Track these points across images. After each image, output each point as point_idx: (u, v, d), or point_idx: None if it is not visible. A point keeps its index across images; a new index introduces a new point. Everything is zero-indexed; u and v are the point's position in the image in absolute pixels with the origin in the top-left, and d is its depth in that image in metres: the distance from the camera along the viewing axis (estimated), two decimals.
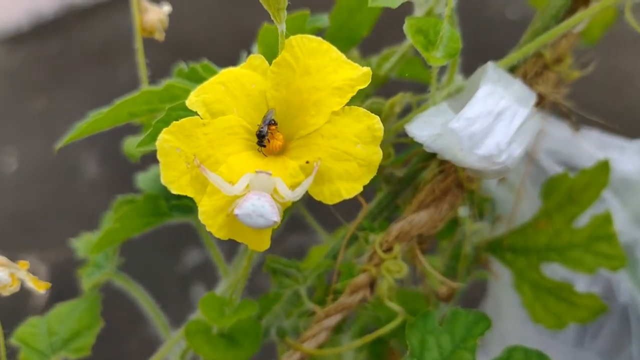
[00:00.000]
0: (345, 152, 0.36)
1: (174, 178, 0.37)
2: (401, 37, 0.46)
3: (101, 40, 2.11)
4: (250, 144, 0.38)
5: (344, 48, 0.55)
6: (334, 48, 0.39)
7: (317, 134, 0.37)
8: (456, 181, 0.51)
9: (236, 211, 0.34)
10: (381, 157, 0.36)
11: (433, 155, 0.50)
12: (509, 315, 0.65)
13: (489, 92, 0.41)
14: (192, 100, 0.39)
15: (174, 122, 0.38)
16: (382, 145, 0.43)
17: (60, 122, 1.95)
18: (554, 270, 0.60)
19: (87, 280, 0.56)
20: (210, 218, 0.36)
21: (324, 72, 0.37)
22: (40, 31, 2.16)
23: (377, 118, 0.36)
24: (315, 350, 0.48)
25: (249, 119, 0.38)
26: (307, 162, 0.36)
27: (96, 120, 0.46)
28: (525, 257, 0.59)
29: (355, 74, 0.37)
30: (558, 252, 0.58)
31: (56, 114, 1.92)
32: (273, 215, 0.34)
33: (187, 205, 0.53)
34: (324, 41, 0.39)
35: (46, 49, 2.10)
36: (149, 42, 0.52)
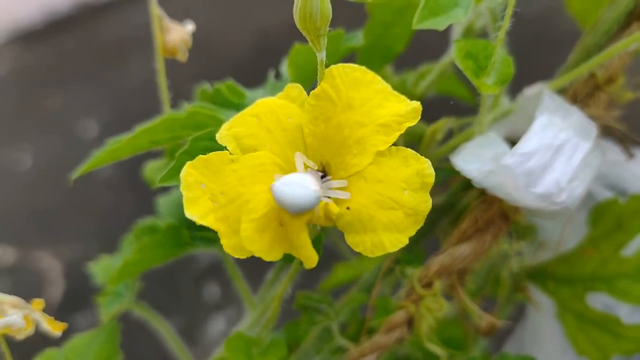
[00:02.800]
0: (392, 199, 0.32)
1: (202, 214, 0.33)
2: (426, 49, 0.42)
3: (116, 37, 2.08)
4: None
5: (378, 65, 0.52)
6: (379, 78, 0.35)
7: (359, 177, 0.32)
8: (500, 211, 0.47)
9: (275, 183, 0.30)
10: (430, 206, 0.32)
11: None
12: (549, 343, 0.61)
13: (547, 124, 0.37)
14: (223, 134, 0.35)
15: (200, 156, 0.34)
16: None
17: (74, 120, 1.94)
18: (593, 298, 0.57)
19: (106, 310, 0.53)
20: (256, 242, 0.32)
21: (368, 105, 0.33)
22: (54, 28, 2.13)
23: (428, 162, 0.32)
24: None
25: (282, 155, 0.34)
26: (347, 209, 0.32)
27: (115, 148, 0.42)
28: (570, 286, 0.55)
29: (403, 109, 0.33)
30: (605, 282, 0.54)
31: (70, 112, 1.90)
32: (315, 185, 0.30)
33: (210, 237, 0.49)
34: (368, 70, 0.35)
35: (60, 47, 2.08)
36: None
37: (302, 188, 0.30)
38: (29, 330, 0.40)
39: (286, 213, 0.31)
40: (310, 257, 0.32)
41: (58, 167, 1.74)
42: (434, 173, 0.32)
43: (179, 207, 0.53)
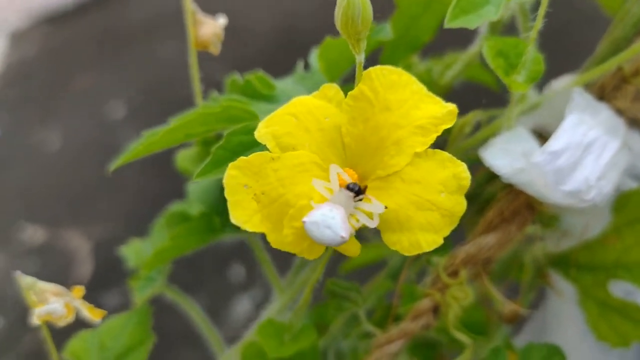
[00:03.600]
0: (429, 201, 0.33)
1: (247, 217, 0.34)
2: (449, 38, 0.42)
3: (144, 18, 2.08)
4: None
5: (405, 55, 0.52)
6: (414, 79, 0.35)
7: (397, 177, 0.33)
8: (526, 202, 0.47)
9: (305, 218, 0.31)
10: (465, 208, 0.33)
11: None
12: (569, 329, 0.62)
13: (576, 122, 0.38)
14: (262, 132, 0.35)
15: (241, 157, 0.34)
16: None
17: (102, 101, 1.96)
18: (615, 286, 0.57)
19: (139, 293, 0.54)
20: (297, 246, 0.34)
21: (405, 107, 0.34)
22: (84, 10, 2.14)
23: (464, 165, 0.33)
24: None
25: (321, 155, 0.35)
26: (385, 208, 0.33)
27: (151, 142, 0.43)
28: (592, 273, 0.56)
29: (439, 110, 0.34)
30: (627, 270, 0.54)
31: (99, 93, 1.92)
32: (342, 230, 0.31)
33: None
34: (404, 72, 0.35)
35: (89, 28, 2.08)
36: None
37: (329, 230, 0.30)
38: (70, 318, 0.42)
39: None
40: (353, 250, 0.33)
41: (86, 148, 1.76)
42: (470, 176, 0.33)
43: (209, 193, 0.54)
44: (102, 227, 1.56)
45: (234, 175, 0.34)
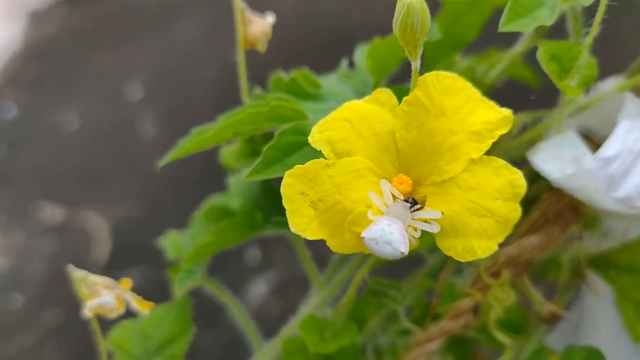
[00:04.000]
0: (484, 208, 0.33)
1: (305, 225, 0.34)
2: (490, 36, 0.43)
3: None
4: (379, 189, 0.35)
5: (448, 54, 0.52)
6: (468, 85, 0.35)
7: (452, 183, 0.34)
8: (571, 204, 0.48)
9: (364, 234, 0.32)
10: (520, 215, 0.33)
11: None
12: (604, 329, 0.63)
13: (629, 129, 0.38)
14: (316, 138, 0.36)
15: (297, 165, 0.35)
16: None
17: (120, 82, 1.97)
18: None
19: (179, 286, 0.55)
20: (356, 249, 0.35)
21: (460, 113, 0.34)
22: None
23: (520, 173, 0.33)
24: None
25: (376, 161, 0.35)
26: (441, 214, 0.33)
27: (200, 139, 0.44)
28: (631, 275, 0.56)
29: (494, 116, 0.34)
30: None
31: (116, 73, 1.92)
32: (401, 245, 0.31)
33: (283, 221, 0.51)
34: (459, 77, 0.35)
35: (108, 8, 2.09)
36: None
37: (389, 246, 0.31)
38: (121, 310, 0.43)
39: None
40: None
41: (104, 129, 1.77)
42: (525, 184, 0.33)
43: (250, 187, 0.55)
44: (119, 207, 1.58)
45: (290, 183, 0.35)
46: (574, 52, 0.39)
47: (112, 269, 1.38)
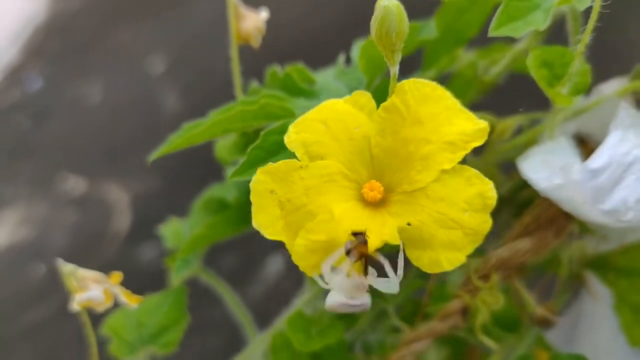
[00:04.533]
0: (452, 219, 0.33)
1: (268, 223, 0.35)
2: None
3: None
4: (349, 194, 0.35)
5: (450, 49, 0.51)
6: (448, 94, 0.35)
7: (422, 193, 0.33)
8: (564, 210, 0.47)
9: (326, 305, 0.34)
10: (490, 226, 0.33)
11: None
12: (601, 330, 0.62)
13: (619, 139, 0.37)
14: (292, 139, 0.36)
15: (270, 163, 0.35)
16: (486, 166, 0.39)
17: (142, 56, 1.97)
18: None
19: (175, 275, 0.56)
20: (304, 259, 0.34)
21: (436, 122, 0.34)
22: None
23: (491, 184, 0.33)
24: None
25: (349, 165, 0.35)
26: (408, 224, 0.33)
27: (190, 135, 0.44)
28: (629, 278, 0.55)
29: (470, 127, 0.34)
30: None
31: (139, 48, 1.93)
32: (357, 306, 0.33)
33: None
34: (438, 86, 0.35)
35: None
36: None
37: (352, 308, 0.32)
38: (109, 304, 0.44)
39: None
40: None
41: (126, 102, 1.79)
42: (495, 195, 0.33)
43: (246, 181, 0.55)
44: (140, 180, 1.60)
45: (261, 180, 0.35)
46: (567, 58, 0.38)
47: (131, 241, 1.41)
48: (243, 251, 1.37)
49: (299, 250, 0.33)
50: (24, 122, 1.85)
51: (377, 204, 0.35)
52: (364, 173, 0.35)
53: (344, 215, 0.33)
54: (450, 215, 0.33)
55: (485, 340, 0.46)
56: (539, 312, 0.51)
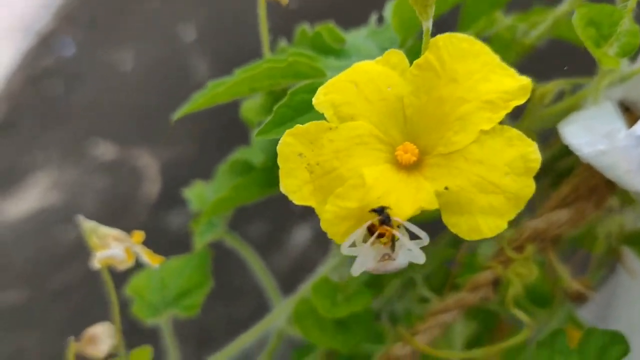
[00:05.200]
0: (492, 183, 0.31)
1: (296, 187, 0.33)
2: None
3: None
4: (381, 156, 0.33)
5: (488, 10, 0.49)
6: (487, 49, 0.33)
7: (459, 155, 0.31)
8: (606, 179, 0.45)
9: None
10: (533, 191, 0.31)
11: None
12: (637, 305, 0.60)
13: None
14: (320, 100, 0.34)
15: (298, 125, 0.33)
16: (524, 133, 0.38)
17: (173, 23, 1.97)
18: None
19: (200, 238, 0.56)
20: (333, 226, 0.32)
21: (473, 79, 0.32)
22: None
23: (535, 145, 0.31)
24: (429, 349, 0.46)
25: (382, 127, 0.33)
26: (446, 189, 0.31)
27: (215, 93, 0.43)
28: None
29: (511, 85, 0.31)
30: None
31: (170, 14, 1.93)
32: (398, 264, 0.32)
33: None
34: (476, 40, 0.33)
35: None
36: None
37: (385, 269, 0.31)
38: (130, 262, 0.44)
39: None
40: None
41: (158, 69, 1.79)
42: (540, 158, 0.31)
43: (273, 143, 0.54)
44: (170, 147, 1.60)
45: (289, 142, 0.33)
46: (615, 17, 0.35)
47: (160, 208, 1.42)
48: (269, 221, 1.37)
49: (328, 217, 0.32)
50: (56, 88, 1.87)
51: (411, 168, 0.33)
52: (396, 135, 0.33)
53: (376, 180, 0.31)
54: (490, 179, 0.31)
55: (517, 313, 0.44)
56: (574, 287, 0.49)
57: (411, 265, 0.48)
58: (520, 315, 0.45)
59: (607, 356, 0.41)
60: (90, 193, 1.55)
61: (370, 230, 0.31)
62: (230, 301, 1.15)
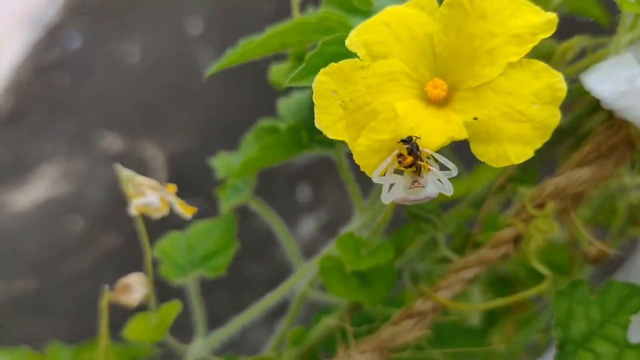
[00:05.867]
0: (520, 112, 0.33)
1: (330, 122, 0.36)
2: None
3: None
4: (411, 92, 0.36)
5: None
6: None
7: (488, 88, 0.34)
8: (627, 138, 0.47)
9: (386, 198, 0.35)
10: (559, 120, 0.34)
11: (602, 106, 0.47)
12: None
13: None
14: (352, 40, 0.37)
15: (332, 63, 0.36)
16: None
17: (181, 16, 2.00)
18: None
19: (226, 202, 0.59)
20: (366, 158, 0.35)
21: (501, 16, 0.34)
22: None
23: (560, 76, 0.33)
24: (450, 302, 0.48)
25: (412, 65, 0.36)
26: (475, 119, 0.34)
27: (247, 49, 0.46)
28: None
29: (537, 20, 0.34)
30: None
31: (177, 7, 1.96)
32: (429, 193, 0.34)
33: (328, 140, 0.53)
34: None
35: None
36: None
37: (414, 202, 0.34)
38: (165, 211, 0.47)
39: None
40: None
41: (165, 61, 1.83)
42: (565, 87, 0.33)
43: (299, 109, 0.57)
44: (176, 139, 1.64)
45: (323, 80, 0.36)
46: None
47: None
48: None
49: (362, 149, 0.35)
50: (64, 80, 1.91)
51: (440, 103, 0.35)
52: (426, 72, 0.36)
53: (407, 113, 0.34)
54: (518, 108, 0.33)
55: (538, 267, 0.47)
56: (593, 249, 0.52)
57: (433, 224, 0.51)
58: (541, 268, 0.47)
59: (627, 307, 0.44)
60: (97, 184, 1.59)
61: (400, 160, 0.34)
62: (254, 265, 1.17)
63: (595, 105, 0.48)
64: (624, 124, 0.46)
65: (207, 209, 0.61)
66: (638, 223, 0.59)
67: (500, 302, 0.48)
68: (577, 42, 0.45)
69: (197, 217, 0.60)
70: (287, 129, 0.52)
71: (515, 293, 0.65)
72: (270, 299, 0.55)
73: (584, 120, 0.50)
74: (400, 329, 0.48)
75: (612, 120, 0.47)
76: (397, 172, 0.34)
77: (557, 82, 0.33)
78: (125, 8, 2.06)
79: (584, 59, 0.47)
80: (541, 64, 0.34)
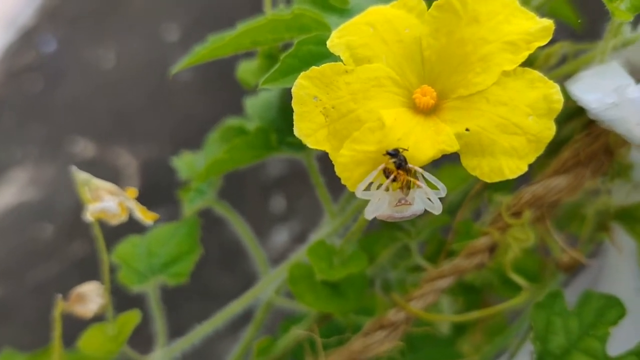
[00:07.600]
0: (515, 124, 0.30)
1: (310, 131, 0.31)
2: None
3: None
4: (398, 100, 0.32)
5: None
6: None
7: (481, 97, 0.30)
8: (605, 146, 0.44)
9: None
10: (554, 133, 0.30)
11: (580, 113, 0.43)
12: (622, 283, 0.59)
13: None
14: (335, 42, 0.33)
15: (313, 67, 0.32)
16: None
17: (156, 22, 1.93)
18: None
19: (189, 205, 0.53)
20: (348, 170, 0.31)
21: (494, 21, 0.31)
22: None
23: (557, 87, 0.30)
24: (424, 313, 0.44)
25: (398, 70, 0.32)
26: (467, 130, 0.30)
27: (216, 47, 0.41)
28: None
29: (532, 26, 0.30)
30: None
31: (153, 14, 1.90)
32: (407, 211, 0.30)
33: (298, 142, 0.48)
34: None
35: None
36: None
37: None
38: (123, 217, 0.41)
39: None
40: None
41: (140, 68, 1.76)
42: (562, 98, 0.30)
43: (267, 109, 0.51)
44: (149, 146, 1.57)
45: (304, 85, 0.31)
46: None
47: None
48: (248, 222, 1.35)
49: (344, 161, 0.30)
50: (37, 84, 1.82)
51: (428, 112, 0.32)
52: (413, 78, 0.32)
53: (394, 122, 0.30)
54: (513, 120, 0.30)
55: (515, 277, 0.43)
56: (566, 257, 0.48)
57: (406, 232, 0.47)
58: (518, 279, 0.43)
59: (605, 319, 0.40)
60: (67, 190, 1.50)
61: (386, 174, 0.30)
62: (217, 272, 1.11)
63: (572, 111, 0.44)
64: (603, 132, 0.43)
65: (181, 217, 0.55)
66: (606, 228, 0.55)
67: (475, 314, 0.43)
68: (561, 47, 0.41)
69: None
70: (256, 130, 0.47)
71: (484, 298, 0.61)
72: (235, 307, 0.50)
73: (561, 127, 0.46)
74: (371, 340, 0.44)
75: (591, 127, 0.43)
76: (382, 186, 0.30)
77: (553, 94, 0.30)
78: (102, 13, 1.98)
79: (565, 64, 0.42)
80: (536, 74, 0.31)
